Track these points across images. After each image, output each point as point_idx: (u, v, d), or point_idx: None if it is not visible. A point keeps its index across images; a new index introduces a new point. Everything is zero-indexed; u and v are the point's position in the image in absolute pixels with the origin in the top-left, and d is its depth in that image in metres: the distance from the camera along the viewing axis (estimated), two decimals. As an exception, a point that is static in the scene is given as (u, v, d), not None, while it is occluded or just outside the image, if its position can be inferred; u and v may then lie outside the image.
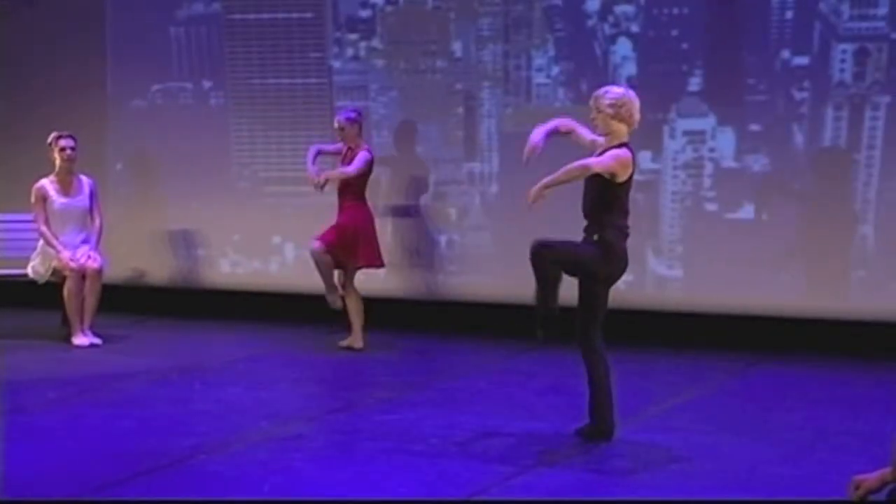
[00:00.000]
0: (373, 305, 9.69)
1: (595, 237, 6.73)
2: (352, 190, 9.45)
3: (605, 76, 9.88)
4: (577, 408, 6.94)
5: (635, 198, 9.73)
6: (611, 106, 6.79)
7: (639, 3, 9.82)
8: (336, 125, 9.56)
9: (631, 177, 6.77)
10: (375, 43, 10.57)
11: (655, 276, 9.88)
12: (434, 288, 10.42)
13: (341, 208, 9.49)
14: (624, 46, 9.88)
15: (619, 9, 9.88)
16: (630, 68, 9.87)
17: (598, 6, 9.90)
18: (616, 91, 6.89)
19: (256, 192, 10.93)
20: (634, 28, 9.85)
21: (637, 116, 6.87)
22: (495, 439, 6.82)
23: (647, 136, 9.83)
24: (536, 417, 7.32)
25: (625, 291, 9.79)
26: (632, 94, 6.89)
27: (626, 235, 6.81)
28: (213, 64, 10.99)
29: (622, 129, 6.80)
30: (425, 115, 10.44)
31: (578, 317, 6.77)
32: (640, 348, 9.42)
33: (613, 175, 6.65)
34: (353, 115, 9.51)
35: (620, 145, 6.76)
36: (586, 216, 6.79)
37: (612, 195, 6.72)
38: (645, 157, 9.82)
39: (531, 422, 7.21)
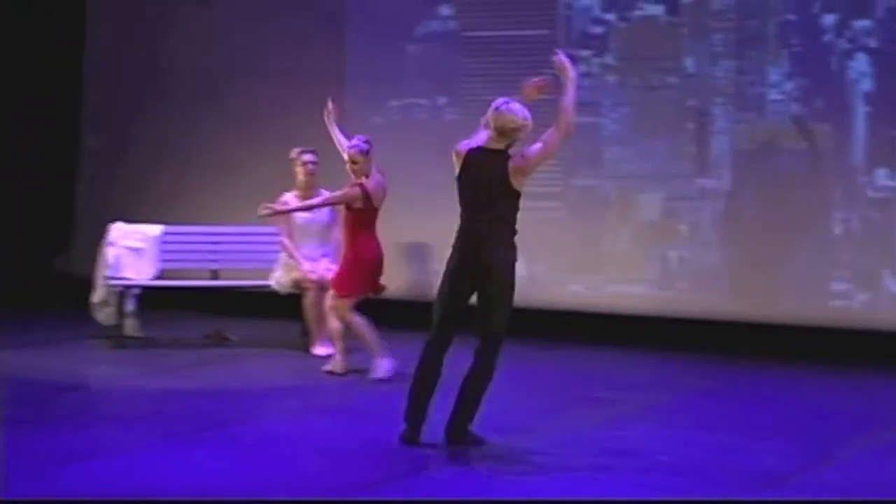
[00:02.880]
0: (611, 322, 9.81)
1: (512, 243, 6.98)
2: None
3: (840, 92, 9.81)
4: (818, 430, 6.90)
5: (870, 217, 9.71)
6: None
7: (877, 18, 9.70)
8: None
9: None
10: (608, 59, 10.64)
11: (893, 297, 9.71)
12: (661, 304, 10.45)
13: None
14: (861, 62, 9.76)
15: (857, 23, 9.77)
16: (867, 84, 9.74)
17: (835, 21, 9.81)
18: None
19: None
20: (872, 43, 9.72)
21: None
22: (726, 459, 6.81)
23: (885, 152, 9.72)
24: (772, 438, 7.28)
25: (858, 310, 9.73)
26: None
27: None
28: (449, 80, 11.23)
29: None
30: (656, 131, 10.48)
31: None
32: (877, 369, 9.29)
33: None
34: (365, 145, 9.35)
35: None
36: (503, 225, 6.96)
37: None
38: (882, 175, 9.70)
39: (766, 442, 7.17)
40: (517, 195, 6.94)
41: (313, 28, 11.82)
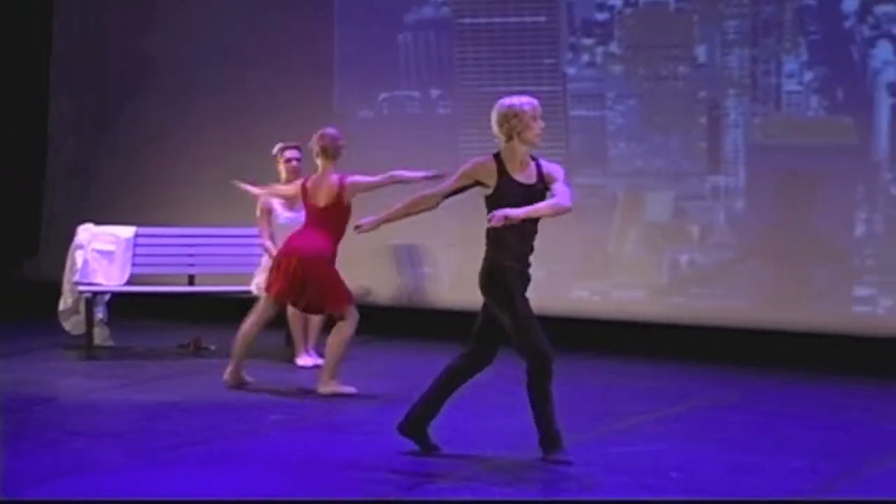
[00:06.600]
0: (617, 329, 9.91)
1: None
2: None
3: (863, 83, 9.75)
4: (840, 445, 6.81)
5: (895, 216, 9.67)
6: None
7: (901, 3, 9.65)
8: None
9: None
10: (613, 48, 10.60)
11: None
12: (675, 311, 10.36)
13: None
14: (885, 50, 9.71)
15: (880, 9, 9.72)
16: (891, 74, 9.69)
17: (857, 6, 9.75)
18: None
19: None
20: (896, 30, 9.68)
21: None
22: (741, 478, 6.71)
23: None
24: (791, 454, 7.19)
25: (882, 316, 9.66)
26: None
27: None
28: (442, 71, 11.18)
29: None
30: (666, 125, 10.40)
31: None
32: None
33: None
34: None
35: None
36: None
37: None
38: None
39: (787, 458, 7.08)
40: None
41: (300, 16, 11.77)
